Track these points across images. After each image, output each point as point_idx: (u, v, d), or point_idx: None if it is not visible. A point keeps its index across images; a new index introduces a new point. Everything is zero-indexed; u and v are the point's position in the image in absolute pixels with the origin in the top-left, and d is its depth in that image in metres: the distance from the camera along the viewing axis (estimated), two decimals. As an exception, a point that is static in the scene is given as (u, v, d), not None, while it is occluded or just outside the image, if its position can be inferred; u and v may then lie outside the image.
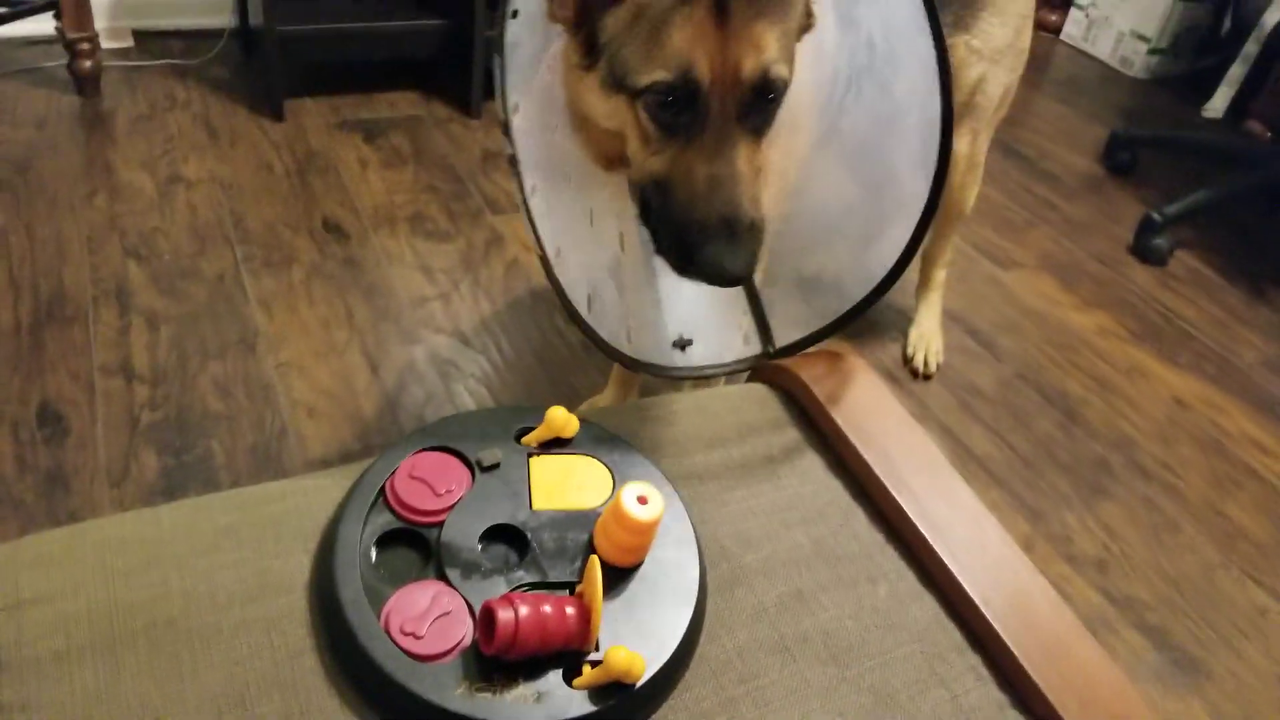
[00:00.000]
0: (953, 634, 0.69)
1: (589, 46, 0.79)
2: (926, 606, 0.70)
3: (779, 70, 0.75)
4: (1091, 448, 1.66)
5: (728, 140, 0.75)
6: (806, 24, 0.82)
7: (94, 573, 0.62)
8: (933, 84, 0.76)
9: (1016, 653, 0.66)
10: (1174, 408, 1.79)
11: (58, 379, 1.43)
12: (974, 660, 0.68)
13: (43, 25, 2.21)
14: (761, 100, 0.76)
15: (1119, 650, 1.31)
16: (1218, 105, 2.09)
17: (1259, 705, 1.28)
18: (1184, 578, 1.45)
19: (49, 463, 1.30)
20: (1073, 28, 3.38)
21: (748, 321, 0.90)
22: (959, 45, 1.40)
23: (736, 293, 0.89)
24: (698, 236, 0.75)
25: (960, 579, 0.70)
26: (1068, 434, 1.68)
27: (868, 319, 1.86)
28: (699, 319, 0.91)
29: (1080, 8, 3.35)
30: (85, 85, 2.17)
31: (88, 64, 2.14)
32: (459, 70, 2.32)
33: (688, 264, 0.77)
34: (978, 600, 0.69)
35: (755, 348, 0.90)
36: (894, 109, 0.85)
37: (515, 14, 0.76)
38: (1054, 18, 3.45)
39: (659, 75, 0.73)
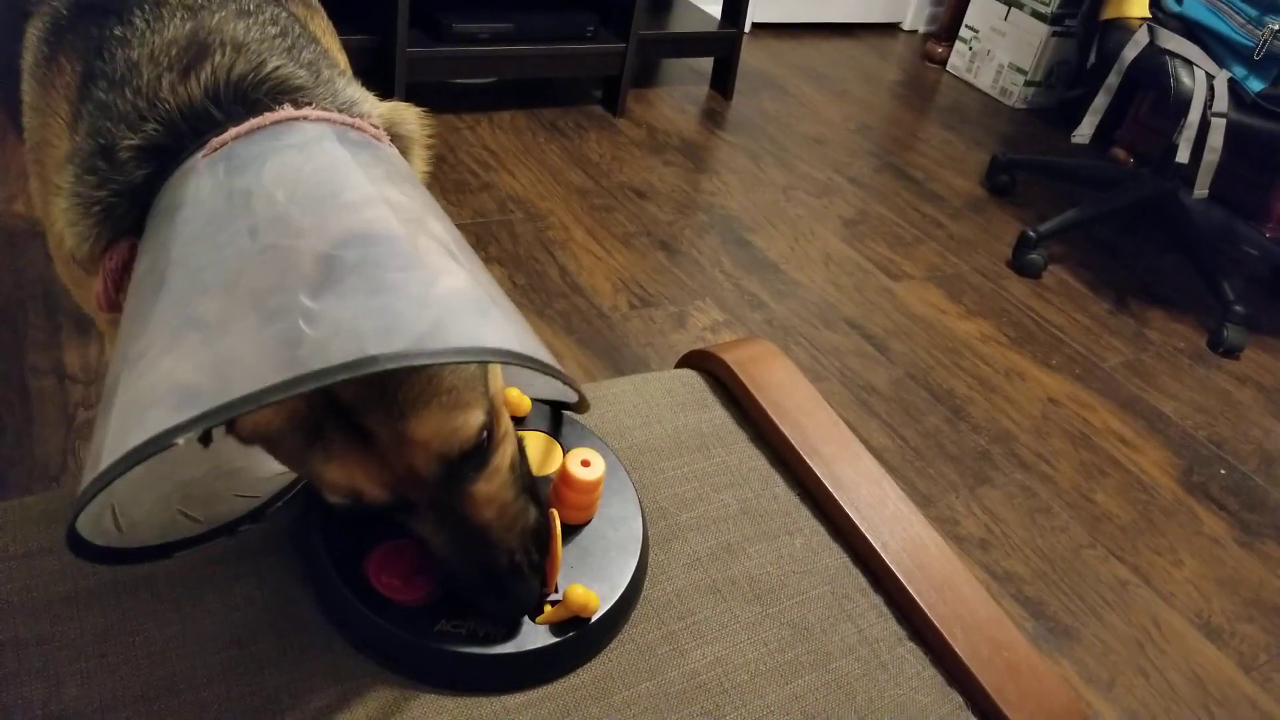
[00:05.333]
0: (858, 578, 0.79)
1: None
2: (836, 555, 0.81)
3: (455, 440, 0.58)
4: (975, 440, 1.82)
5: (450, 508, 0.61)
6: None
7: (98, 531, 0.68)
8: None
9: (912, 592, 0.77)
10: (1047, 405, 1.96)
11: (-12, 380, 1.44)
12: (876, 600, 0.78)
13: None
14: (461, 463, 0.60)
15: (1000, 620, 1.45)
16: (1085, 132, 2.29)
17: (1121, 666, 1.43)
18: (1057, 555, 1.60)
19: (-16, 460, 1.32)
20: (958, 60, 3.61)
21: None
22: None
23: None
24: (471, 595, 0.65)
25: (864, 531, 0.81)
26: (954, 428, 1.83)
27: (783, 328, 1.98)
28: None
29: (964, 42, 3.58)
30: None
31: (0, 70, 2.13)
32: (380, 87, 2.37)
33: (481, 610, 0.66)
34: (879, 549, 0.80)
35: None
36: None
37: None
38: (940, 50, 3.67)
39: (334, 500, 0.60)
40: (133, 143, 0.67)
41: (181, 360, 0.50)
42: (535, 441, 0.79)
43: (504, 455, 0.64)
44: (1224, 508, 1.78)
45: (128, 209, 0.67)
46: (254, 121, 0.65)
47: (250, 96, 0.68)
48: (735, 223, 2.35)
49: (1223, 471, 1.87)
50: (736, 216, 2.38)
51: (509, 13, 2.48)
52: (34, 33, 0.82)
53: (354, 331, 0.48)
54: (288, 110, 0.66)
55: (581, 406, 0.78)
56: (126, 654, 0.62)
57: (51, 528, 0.68)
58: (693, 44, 2.93)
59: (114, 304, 0.70)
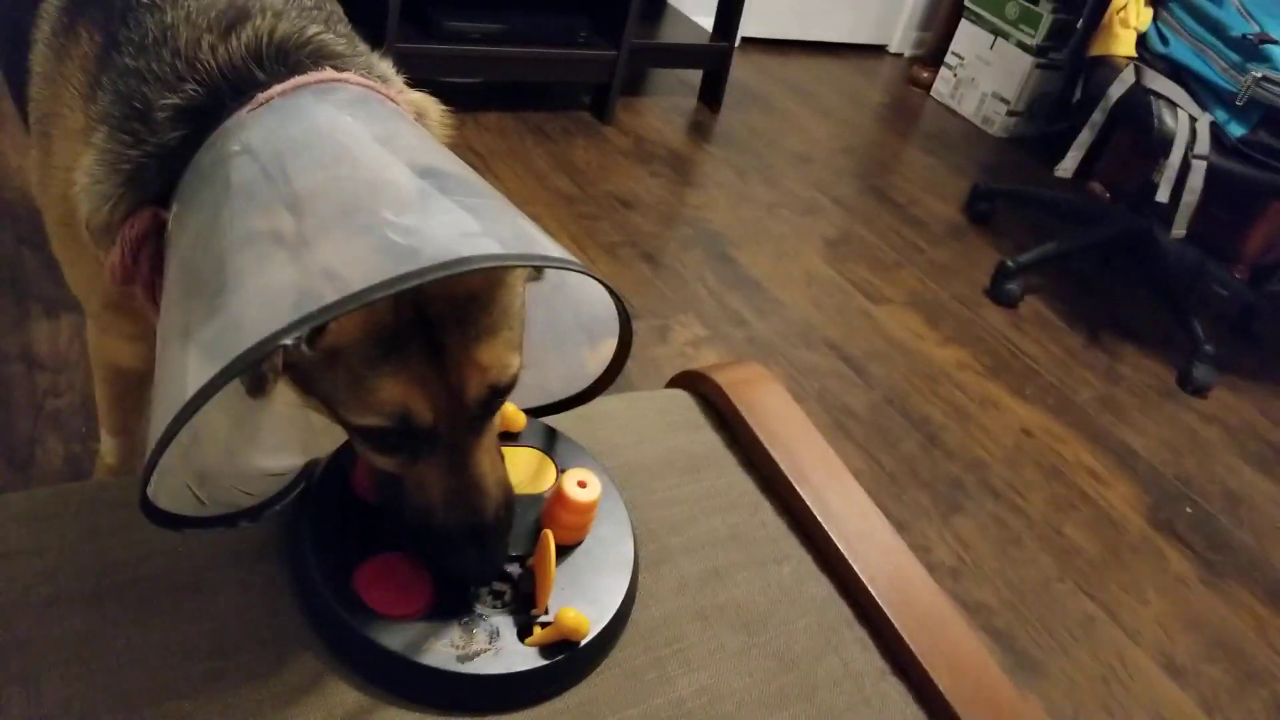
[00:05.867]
0: (844, 609, 0.79)
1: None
2: (822, 585, 0.80)
3: (505, 374, 0.62)
4: (949, 468, 1.83)
5: (462, 450, 0.63)
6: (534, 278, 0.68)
7: (80, 530, 0.66)
8: None
9: (897, 626, 0.78)
10: (1021, 436, 1.98)
11: (-45, 362, 1.41)
12: (861, 633, 0.78)
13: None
14: (495, 400, 0.64)
15: (969, 648, 1.46)
16: (1068, 166, 2.31)
17: (1086, 702, 1.45)
18: (1026, 587, 1.61)
19: (-52, 444, 1.29)
20: (942, 85, 3.64)
21: None
22: None
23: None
24: (441, 546, 0.65)
25: (851, 562, 0.81)
26: (928, 455, 1.84)
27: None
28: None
29: (949, 68, 3.61)
30: (-25, 64, 2.11)
31: (-20, 43, 2.09)
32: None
33: (435, 567, 0.68)
34: (865, 581, 0.80)
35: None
36: None
37: None
38: (925, 74, 3.71)
39: (372, 421, 0.60)
40: (171, 103, 0.67)
41: (274, 275, 0.53)
42: (528, 458, 0.78)
43: (494, 417, 0.67)
44: (1190, 546, 1.81)
45: (155, 173, 0.67)
46: (298, 80, 0.66)
47: (292, 58, 0.68)
48: (719, 238, 2.35)
49: (1188, 510, 1.90)
50: (721, 231, 2.38)
51: (501, 13, 2.47)
52: (52, 3, 0.81)
53: (443, 239, 0.52)
54: (329, 72, 0.68)
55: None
56: (108, 660, 0.61)
57: (33, 526, 0.66)
58: (684, 55, 2.94)
59: (130, 275, 0.69)
